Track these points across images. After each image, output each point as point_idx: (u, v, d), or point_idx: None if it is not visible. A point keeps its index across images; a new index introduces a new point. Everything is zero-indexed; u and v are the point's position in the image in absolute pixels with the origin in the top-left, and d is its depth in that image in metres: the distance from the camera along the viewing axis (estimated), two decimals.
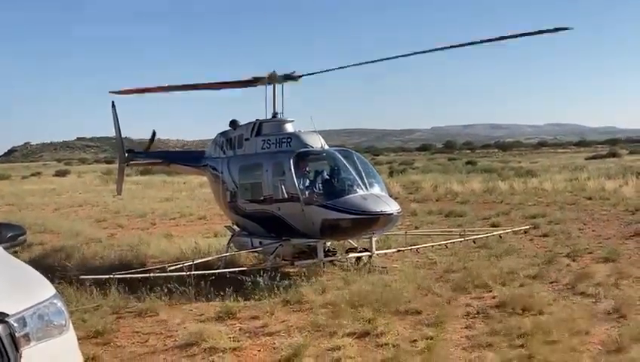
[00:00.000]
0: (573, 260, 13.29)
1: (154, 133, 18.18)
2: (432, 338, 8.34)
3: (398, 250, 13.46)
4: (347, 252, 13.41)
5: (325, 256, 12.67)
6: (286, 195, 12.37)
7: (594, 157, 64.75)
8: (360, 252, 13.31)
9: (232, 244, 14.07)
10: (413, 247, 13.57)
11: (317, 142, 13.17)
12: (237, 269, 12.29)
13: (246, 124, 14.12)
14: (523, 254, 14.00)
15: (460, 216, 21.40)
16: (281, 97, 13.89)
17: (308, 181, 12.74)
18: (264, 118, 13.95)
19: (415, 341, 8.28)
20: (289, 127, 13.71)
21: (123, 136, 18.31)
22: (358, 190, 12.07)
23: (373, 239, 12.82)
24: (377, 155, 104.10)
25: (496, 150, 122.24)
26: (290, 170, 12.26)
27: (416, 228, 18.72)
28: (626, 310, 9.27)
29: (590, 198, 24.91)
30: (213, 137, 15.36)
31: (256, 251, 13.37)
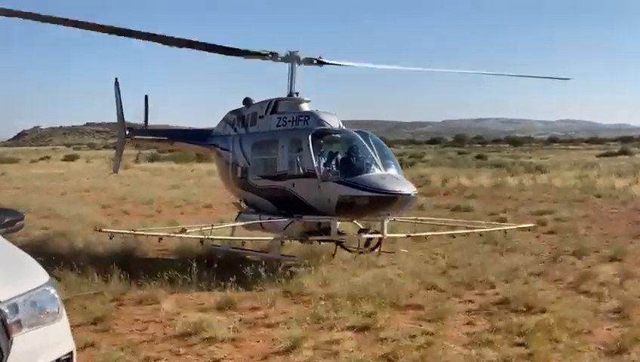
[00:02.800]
0: (579, 258, 13.21)
1: (146, 100, 17.51)
2: (432, 334, 8.27)
3: (408, 236, 13.38)
4: (360, 232, 13.18)
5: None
6: (302, 171, 12.32)
7: (605, 155, 64.38)
8: (372, 233, 13.05)
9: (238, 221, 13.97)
10: (422, 234, 13.52)
11: (334, 122, 13.21)
12: (257, 238, 12.71)
13: (260, 102, 14.08)
14: (528, 251, 13.91)
15: (468, 210, 21.25)
16: (298, 78, 13.86)
17: (325, 158, 12.74)
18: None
19: (415, 336, 8.20)
20: (305, 107, 13.67)
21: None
22: (375, 169, 12.06)
23: (385, 222, 12.56)
24: (388, 147, 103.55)
25: (506, 145, 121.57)
26: (308, 146, 12.25)
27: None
28: (629, 310, 9.20)
29: (599, 196, 24.79)
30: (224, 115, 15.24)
31: (265, 228, 13.28)
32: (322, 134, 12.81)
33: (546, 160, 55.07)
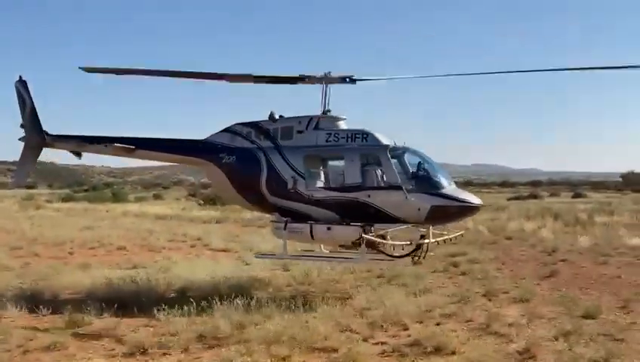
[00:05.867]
0: (489, 300, 13.56)
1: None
2: None
3: (437, 241, 14.06)
4: (421, 238, 13.70)
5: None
6: (383, 184, 13.50)
7: (516, 198, 66.48)
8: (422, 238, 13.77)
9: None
10: (441, 238, 14.10)
11: (390, 140, 14.12)
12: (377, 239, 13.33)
13: (295, 118, 14.62)
14: (441, 292, 14.18)
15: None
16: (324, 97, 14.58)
17: (407, 172, 13.77)
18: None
19: None
20: (343, 124, 14.59)
21: None
22: (450, 183, 13.78)
23: (431, 228, 13.78)
24: None
25: None
26: (389, 161, 13.54)
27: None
28: (536, 350, 9.51)
29: (510, 238, 25.55)
30: (225, 127, 15.15)
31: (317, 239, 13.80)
32: (397, 150, 13.93)
33: None
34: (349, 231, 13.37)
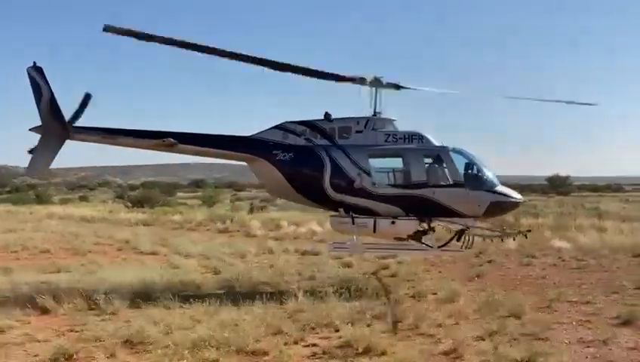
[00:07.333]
0: (418, 300, 13.74)
1: (87, 97, 15.20)
2: None
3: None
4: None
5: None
6: (447, 181, 14.88)
7: None
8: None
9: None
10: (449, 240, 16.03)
11: (438, 142, 15.40)
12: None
13: (352, 118, 15.49)
14: (371, 294, 14.27)
15: (316, 254, 21.55)
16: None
17: (467, 172, 15.03)
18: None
19: None
20: (395, 126, 15.68)
21: None
22: (499, 181, 15.18)
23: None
24: (239, 191, 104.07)
25: None
26: (452, 162, 14.95)
27: (271, 266, 18.74)
28: (462, 350, 9.70)
29: (439, 240, 25.80)
30: (276, 124, 15.58)
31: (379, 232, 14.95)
32: (457, 152, 15.15)
33: None
34: (413, 225, 14.90)
